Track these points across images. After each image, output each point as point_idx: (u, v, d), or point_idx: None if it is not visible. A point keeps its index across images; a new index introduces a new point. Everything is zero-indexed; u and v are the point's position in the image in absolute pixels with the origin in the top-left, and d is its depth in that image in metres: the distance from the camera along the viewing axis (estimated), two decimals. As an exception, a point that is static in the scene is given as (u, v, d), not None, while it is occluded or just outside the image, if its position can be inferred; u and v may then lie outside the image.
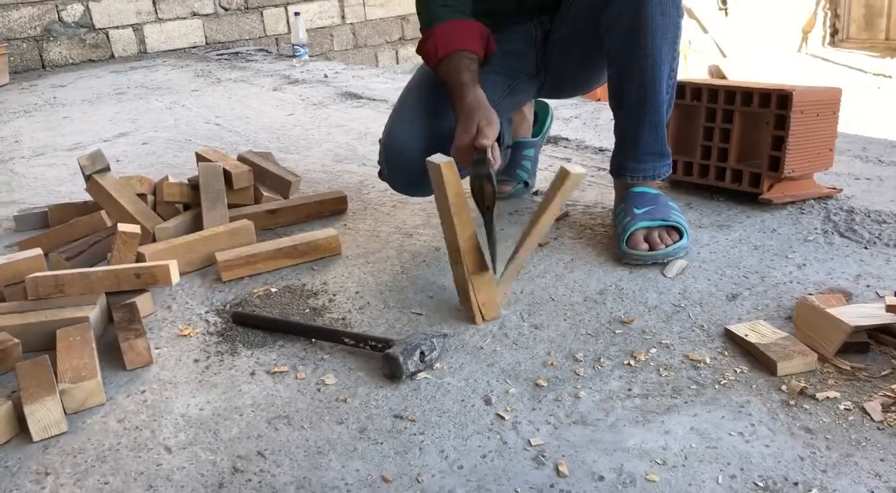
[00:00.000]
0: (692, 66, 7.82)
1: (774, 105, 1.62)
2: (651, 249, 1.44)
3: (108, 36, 4.80)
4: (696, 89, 1.74)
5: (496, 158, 1.35)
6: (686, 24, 1.47)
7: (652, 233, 1.46)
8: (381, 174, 1.62)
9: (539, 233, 1.28)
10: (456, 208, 1.23)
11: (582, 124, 2.56)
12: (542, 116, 1.95)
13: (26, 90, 3.98)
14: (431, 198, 1.33)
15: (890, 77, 7.50)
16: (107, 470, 0.99)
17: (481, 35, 1.50)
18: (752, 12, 8.29)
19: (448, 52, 1.45)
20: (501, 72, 1.62)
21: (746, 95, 1.66)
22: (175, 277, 1.40)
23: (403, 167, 1.54)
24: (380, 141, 1.58)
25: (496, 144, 1.37)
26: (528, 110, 1.89)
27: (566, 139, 2.36)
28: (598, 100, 3.20)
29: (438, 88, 1.51)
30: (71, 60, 4.71)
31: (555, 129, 2.40)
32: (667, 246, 1.45)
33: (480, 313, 1.29)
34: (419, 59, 1.59)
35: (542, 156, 2.00)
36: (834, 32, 8.89)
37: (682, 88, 1.73)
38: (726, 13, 8.37)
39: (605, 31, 1.46)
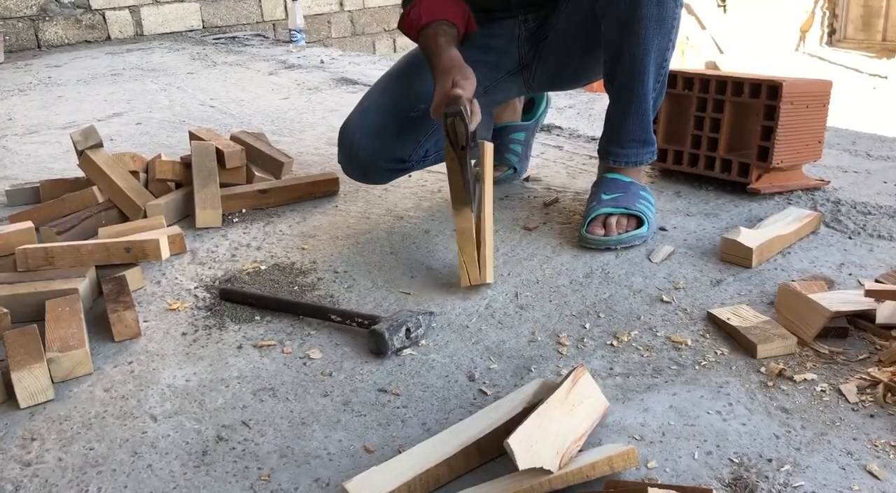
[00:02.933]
0: (689, 62, 7.83)
1: (764, 95, 1.63)
2: (606, 234, 1.46)
3: (104, 17, 4.77)
4: (688, 79, 1.75)
5: (474, 112, 1.35)
6: (684, 19, 1.48)
7: (610, 219, 1.48)
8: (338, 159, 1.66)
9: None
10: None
11: (576, 114, 2.57)
12: (537, 101, 1.95)
13: (21, 69, 3.96)
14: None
15: (886, 78, 7.54)
16: (92, 437, 1.00)
17: (463, 11, 1.52)
18: (751, 10, 8.31)
19: (430, 20, 1.47)
20: (481, 68, 1.62)
21: (737, 84, 1.68)
22: (165, 252, 1.42)
23: (352, 159, 1.61)
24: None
25: (474, 99, 1.37)
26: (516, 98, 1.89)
27: (559, 127, 2.38)
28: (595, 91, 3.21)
29: (404, 84, 1.58)
30: (67, 41, 4.68)
31: (549, 117, 2.41)
32: (620, 233, 1.46)
33: (467, 274, 1.34)
34: (415, 47, 1.60)
35: (535, 143, 2.00)
36: (832, 32, 8.92)
37: (673, 77, 1.74)
38: (724, 10, 8.38)
39: (600, 14, 1.47)
